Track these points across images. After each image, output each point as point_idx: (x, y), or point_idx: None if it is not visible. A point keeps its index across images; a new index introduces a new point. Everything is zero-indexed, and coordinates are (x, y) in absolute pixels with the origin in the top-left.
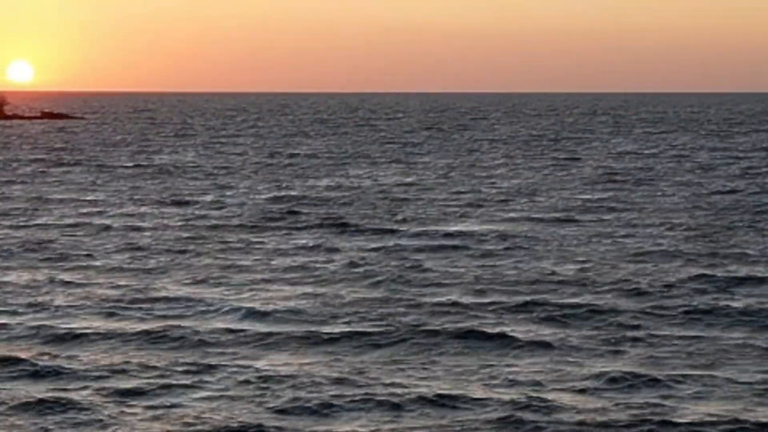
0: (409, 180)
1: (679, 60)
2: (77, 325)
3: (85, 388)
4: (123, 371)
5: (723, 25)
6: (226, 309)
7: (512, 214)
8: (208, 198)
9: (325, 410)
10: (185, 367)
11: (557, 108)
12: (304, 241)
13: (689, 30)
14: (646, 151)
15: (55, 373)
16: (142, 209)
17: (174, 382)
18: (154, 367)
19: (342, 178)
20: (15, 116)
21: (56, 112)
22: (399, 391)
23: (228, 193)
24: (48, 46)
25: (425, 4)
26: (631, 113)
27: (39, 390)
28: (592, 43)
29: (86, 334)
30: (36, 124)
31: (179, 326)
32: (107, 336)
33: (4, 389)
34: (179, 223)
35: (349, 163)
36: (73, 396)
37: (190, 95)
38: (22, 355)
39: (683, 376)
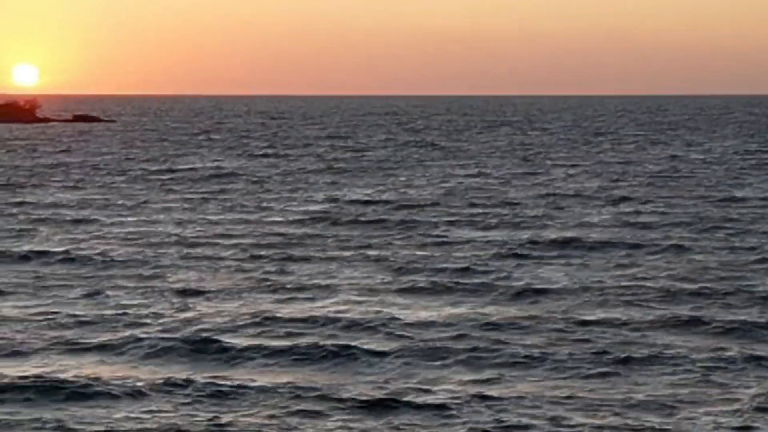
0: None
1: (675, 62)
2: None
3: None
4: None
5: (715, 27)
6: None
7: None
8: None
9: None
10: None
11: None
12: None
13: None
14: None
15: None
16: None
17: None
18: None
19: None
20: (47, 119)
21: (88, 115)
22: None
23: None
24: (52, 49)
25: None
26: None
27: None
28: (590, 45)
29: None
30: (70, 126)
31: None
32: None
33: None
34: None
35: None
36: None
37: (196, 98)
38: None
39: None
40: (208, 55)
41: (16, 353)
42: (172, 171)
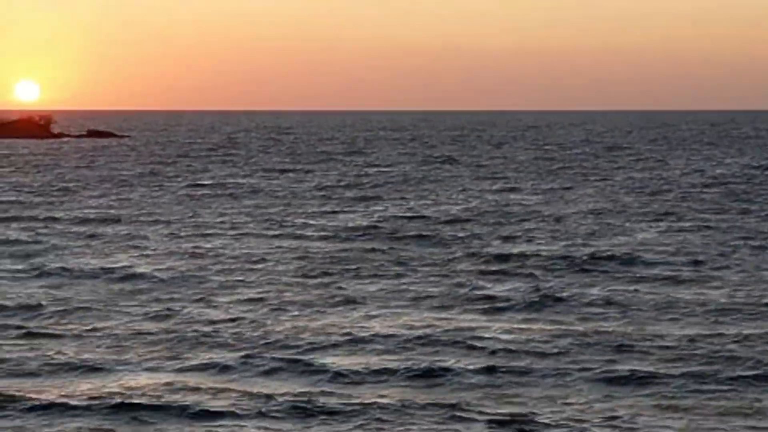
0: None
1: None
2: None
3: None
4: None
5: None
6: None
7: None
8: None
9: None
10: None
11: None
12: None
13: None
14: None
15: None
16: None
17: None
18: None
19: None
20: (62, 134)
21: (102, 131)
22: None
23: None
24: (53, 65)
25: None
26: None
27: None
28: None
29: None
30: (86, 141)
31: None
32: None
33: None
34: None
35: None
36: None
37: (196, 113)
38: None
39: None
40: (206, 71)
41: (106, 370)
42: (203, 186)
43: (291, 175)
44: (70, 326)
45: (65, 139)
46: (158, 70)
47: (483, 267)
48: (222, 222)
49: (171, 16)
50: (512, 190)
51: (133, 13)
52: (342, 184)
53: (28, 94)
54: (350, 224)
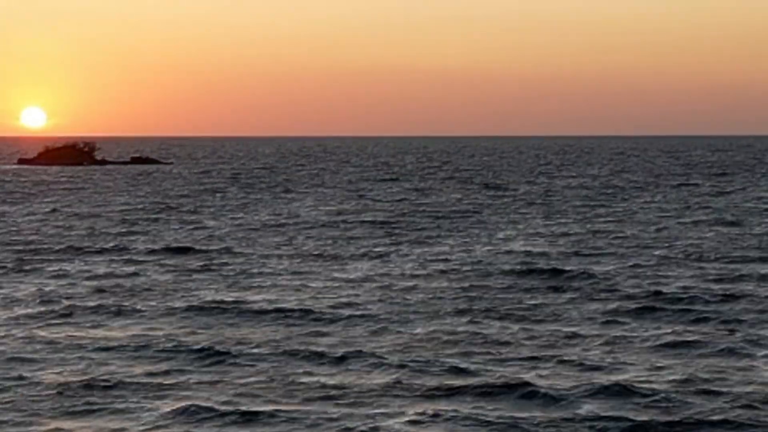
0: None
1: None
2: None
3: None
4: None
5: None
6: None
7: None
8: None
9: None
10: None
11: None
12: None
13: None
14: None
15: None
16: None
17: None
18: None
19: None
20: (105, 161)
21: (145, 157)
22: None
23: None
24: (59, 91)
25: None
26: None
27: None
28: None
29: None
30: (132, 167)
31: None
32: None
33: None
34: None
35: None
36: None
37: (211, 138)
38: None
39: None
40: (213, 97)
41: None
42: (297, 217)
43: (360, 202)
44: None
45: (109, 165)
46: (166, 96)
47: (637, 304)
48: (362, 252)
49: (183, 41)
50: (615, 218)
51: (146, 40)
52: (419, 214)
53: (34, 121)
54: (463, 257)
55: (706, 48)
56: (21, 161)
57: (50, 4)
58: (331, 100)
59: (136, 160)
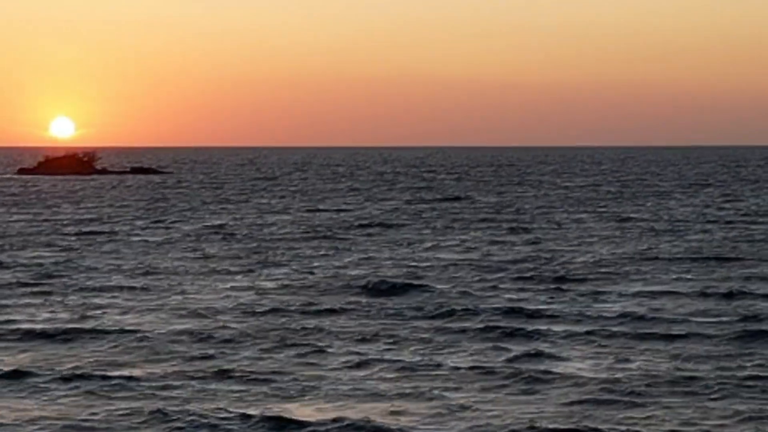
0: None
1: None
2: None
3: None
4: None
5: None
6: None
7: None
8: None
9: None
10: None
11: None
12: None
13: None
14: None
15: None
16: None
17: None
18: None
19: None
20: (105, 171)
21: (145, 167)
22: None
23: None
24: (89, 102)
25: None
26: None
27: None
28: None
29: None
30: (132, 178)
31: None
32: None
33: None
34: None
35: None
36: None
37: (220, 149)
38: None
39: None
40: (250, 108)
41: None
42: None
43: (373, 213)
44: None
45: (109, 175)
46: (195, 107)
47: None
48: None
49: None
50: (642, 224)
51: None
52: (446, 218)
53: (63, 131)
54: (500, 260)
55: (718, 56)
56: (21, 171)
57: (81, 14)
58: (331, 109)
59: (136, 170)
